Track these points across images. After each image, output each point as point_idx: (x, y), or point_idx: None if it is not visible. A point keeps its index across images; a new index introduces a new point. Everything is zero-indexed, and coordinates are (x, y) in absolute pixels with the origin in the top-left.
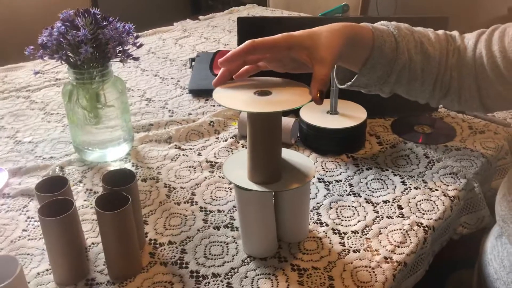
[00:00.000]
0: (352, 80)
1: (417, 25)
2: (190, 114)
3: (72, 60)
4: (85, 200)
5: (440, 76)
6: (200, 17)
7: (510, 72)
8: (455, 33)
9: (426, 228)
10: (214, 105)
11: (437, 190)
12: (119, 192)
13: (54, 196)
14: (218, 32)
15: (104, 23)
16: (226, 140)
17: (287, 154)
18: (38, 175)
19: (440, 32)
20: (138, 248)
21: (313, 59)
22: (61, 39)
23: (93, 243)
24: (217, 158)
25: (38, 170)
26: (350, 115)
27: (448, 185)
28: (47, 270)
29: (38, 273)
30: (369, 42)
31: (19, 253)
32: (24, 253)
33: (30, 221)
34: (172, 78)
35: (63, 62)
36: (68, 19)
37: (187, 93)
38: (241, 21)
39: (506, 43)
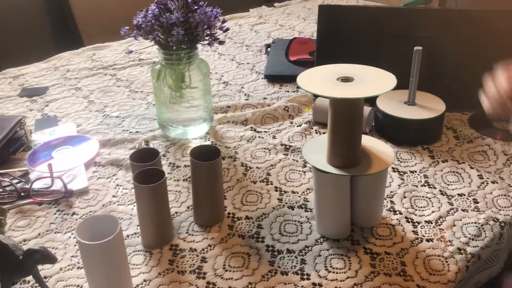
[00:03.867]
0: None
1: (500, 18)
2: (265, 98)
3: (162, 42)
4: (168, 173)
5: None
6: (276, 4)
7: None
8: None
9: (503, 224)
10: (288, 91)
11: None
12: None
13: (147, 166)
14: (293, 20)
15: (195, 7)
16: (300, 125)
17: (368, 140)
18: (126, 147)
19: None
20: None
21: None
22: (154, 21)
23: (176, 213)
24: (291, 142)
25: (125, 143)
26: (428, 107)
27: None
28: (135, 233)
29: (128, 236)
30: None
31: (111, 215)
32: (115, 215)
33: (119, 188)
34: (248, 63)
35: (155, 43)
36: (162, 2)
37: (262, 78)
38: (322, 9)
39: None
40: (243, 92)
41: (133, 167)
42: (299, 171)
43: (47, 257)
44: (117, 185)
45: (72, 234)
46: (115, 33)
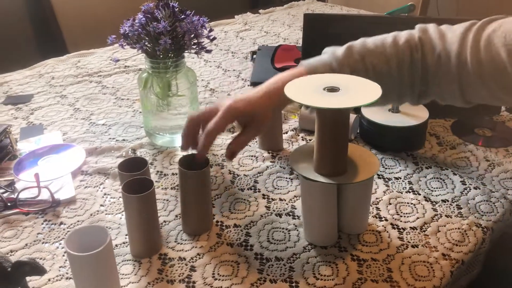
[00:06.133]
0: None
1: None
2: None
3: (149, 50)
4: (156, 181)
5: (406, 86)
6: (261, 10)
7: (497, 82)
8: (431, 29)
9: (485, 229)
10: None
11: (496, 192)
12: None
13: (135, 175)
14: (278, 26)
15: (182, 16)
16: (286, 133)
17: (353, 148)
18: (113, 155)
19: (404, 38)
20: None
21: (252, 123)
22: (141, 30)
23: (164, 221)
24: (278, 149)
25: (112, 151)
26: (412, 114)
27: (508, 189)
28: (124, 243)
29: (116, 245)
30: None
31: (100, 225)
32: (104, 226)
33: (107, 197)
34: (234, 70)
35: (142, 52)
36: (149, 11)
37: (248, 85)
38: (308, 18)
39: (493, 52)
40: None
41: (121, 176)
42: (286, 178)
43: (36, 269)
44: (105, 194)
45: (60, 244)
46: (100, 39)
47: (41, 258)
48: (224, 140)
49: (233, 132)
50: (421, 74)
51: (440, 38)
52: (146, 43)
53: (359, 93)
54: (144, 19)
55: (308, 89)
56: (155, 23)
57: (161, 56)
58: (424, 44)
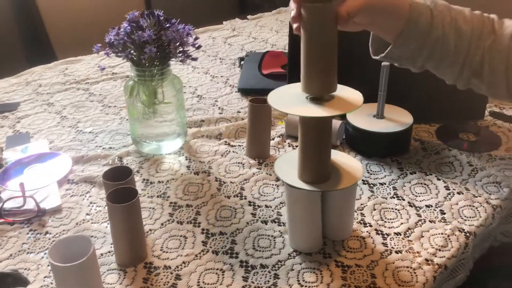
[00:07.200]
0: (386, 52)
1: None
2: (239, 112)
3: (135, 59)
4: (142, 189)
5: (470, 55)
6: (249, 16)
7: None
8: (494, 16)
9: (468, 234)
10: None
11: (479, 197)
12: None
13: (120, 185)
14: (266, 32)
15: (167, 25)
16: (273, 139)
17: (337, 155)
18: (99, 163)
19: (477, 12)
20: None
21: None
22: (126, 39)
23: (150, 230)
24: (265, 157)
25: (98, 159)
26: (396, 120)
27: (490, 194)
28: (109, 252)
29: (102, 254)
30: (404, 13)
31: (84, 235)
32: (88, 235)
33: (93, 206)
34: (222, 76)
35: (127, 60)
36: (134, 20)
37: (236, 92)
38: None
39: None
40: (217, 105)
41: (106, 186)
42: (273, 185)
43: (19, 280)
44: (91, 202)
45: (45, 254)
46: (89, 46)
47: (25, 269)
48: (211, 147)
49: (220, 138)
50: (482, 50)
51: (498, 22)
52: (131, 52)
53: (341, 101)
54: (129, 27)
55: (291, 97)
56: (140, 31)
57: (147, 64)
58: (492, 22)
